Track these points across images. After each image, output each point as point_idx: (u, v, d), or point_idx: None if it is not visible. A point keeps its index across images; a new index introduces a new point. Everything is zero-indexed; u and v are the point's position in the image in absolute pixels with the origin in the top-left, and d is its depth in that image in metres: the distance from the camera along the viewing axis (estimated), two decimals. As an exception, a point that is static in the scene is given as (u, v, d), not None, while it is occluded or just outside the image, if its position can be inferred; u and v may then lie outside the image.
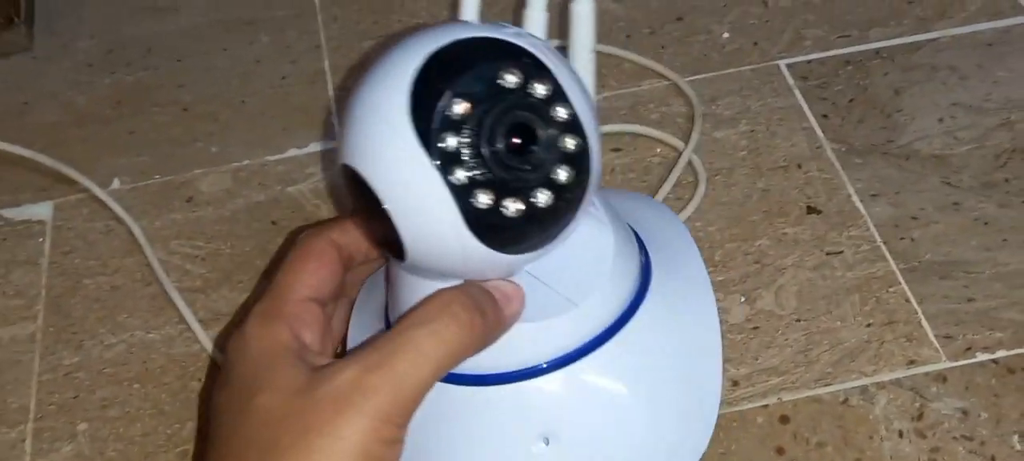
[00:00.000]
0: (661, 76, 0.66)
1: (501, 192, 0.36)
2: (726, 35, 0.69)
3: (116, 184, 0.63)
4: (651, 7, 0.71)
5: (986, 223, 0.57)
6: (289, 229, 0.60)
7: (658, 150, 0.62)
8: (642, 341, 0.43)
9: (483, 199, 0.36)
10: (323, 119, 0.66)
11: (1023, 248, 0.56)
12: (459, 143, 0.35)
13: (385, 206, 0.36)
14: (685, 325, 0.45)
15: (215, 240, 0.60)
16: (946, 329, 0.53)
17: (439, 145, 0.35)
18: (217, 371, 0.53)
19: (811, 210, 0.59)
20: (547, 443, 0.41)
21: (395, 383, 0.36)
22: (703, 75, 0.66)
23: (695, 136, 0.62)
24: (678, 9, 0.71)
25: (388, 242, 0.38)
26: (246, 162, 0.64)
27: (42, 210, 0.62)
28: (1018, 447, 0.48)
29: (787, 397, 0.51)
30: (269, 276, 0.48)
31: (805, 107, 0.64)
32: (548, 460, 0.42)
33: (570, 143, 0.37)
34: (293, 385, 0.36)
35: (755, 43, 0.68)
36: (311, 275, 0.41)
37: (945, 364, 0.52)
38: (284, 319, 0.39)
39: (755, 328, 0.53)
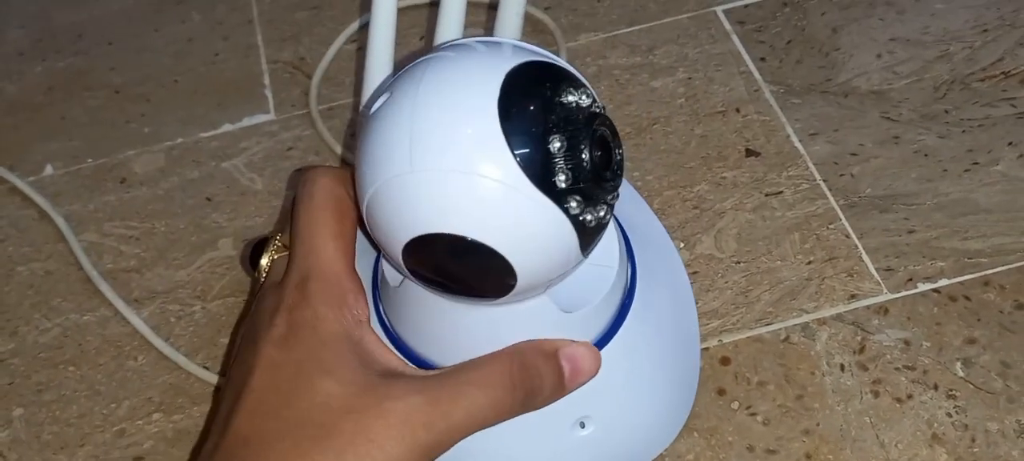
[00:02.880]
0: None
1: (591, 204, 0.36)
2: (662, -16, 0.68)
3: (49, 170, 0.62)
4: (587, -38, 0.71)
5: (926, 155, 0.57)
6: (223, 204, 0.59)
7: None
8: (642, 326, 0.44)
9: (588, 217, 0.36)
10: (256, 93, 0.65)
11: (963, 177, 0.55)
12: (567, 177, 0.35)
13: (507, 258, 0.36)
14: (671, 300, 0.47)
15: (149, 219, 0.59)
16: (887, 262, 0.52)
17: (557, 188, 0.35)
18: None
19: (750, 153, 0.58)
20: (583, 426, 0.43)
21: (447, 427, 0.37)
22: (640, 26, 0.66)
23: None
24: (615, -37, 0.71)
25: (485, 291, 0.38)
26: (179, 140, 0.63)
27: (-26, 201, 0.61)
28: (961, 373, 0.48)
29: (727, 338, 0.50)
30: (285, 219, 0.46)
31: (743, 51, 0.63)
32: (586, 439, 0.43)
33: (619, 152, 0.37)
34: (359, 381, 0.38)
35: (691, -9, 0.68)
36: (351, 240, 0.41)
37: (886, 296, 0.51)
38: (348, 302, 0.40)
39: (694, 273, 0.53)
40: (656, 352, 0.45)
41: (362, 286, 0.41)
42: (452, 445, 0.38)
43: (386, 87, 0.38)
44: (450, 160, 0.35)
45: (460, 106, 0.35)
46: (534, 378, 0.39)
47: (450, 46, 0.38)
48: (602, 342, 0.42)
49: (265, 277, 0.43)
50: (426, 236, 0.36)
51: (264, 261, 0.43)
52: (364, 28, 0.66)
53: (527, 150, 0.35)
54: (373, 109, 0.37)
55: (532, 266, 0.36)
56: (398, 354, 0.41)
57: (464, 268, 0.37)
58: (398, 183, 0.35)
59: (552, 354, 0.40)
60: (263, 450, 0.37)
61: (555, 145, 0.35)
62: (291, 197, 0.44)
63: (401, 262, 0.37)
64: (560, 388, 0.40)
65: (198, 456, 0.39)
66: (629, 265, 0.44)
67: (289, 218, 0.43)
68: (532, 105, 0.35)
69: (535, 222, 0.35)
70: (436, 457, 0.38)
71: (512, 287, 0.37)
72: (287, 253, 0.42)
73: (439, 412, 0.37)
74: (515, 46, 0.37)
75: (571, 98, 0.36)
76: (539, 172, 0.35)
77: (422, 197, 0.35)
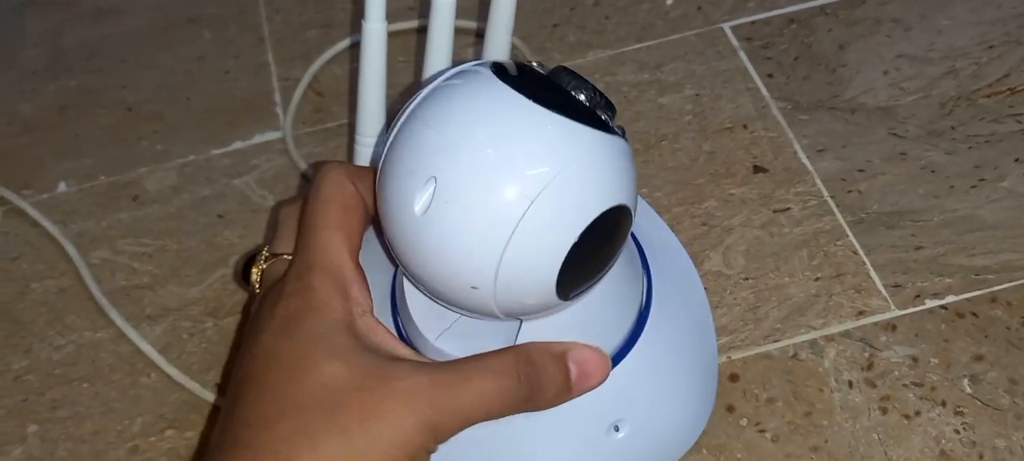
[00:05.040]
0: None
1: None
2: (670, 1, 0.69)
3: (62, 187, 0.63)
4: (595, -20, 0.71)
5: (933, 171, 0.57)
6: (235, 222, 0.59)
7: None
8: (662, 326, 0.45)
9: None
10: (267, 111, 0.66)
11: (970, 193, 0.56)
12: (606, 116, 0.38)
13: (628, 205, 0.38)
14: (685, 299, 0.49)
15: (162, 237, 0.59)
16: (895, 278, 0.53)
17: (610, 126, 0.38)
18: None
19: (758, 169, 0.58)
20: (618, 430, 0.44)
21: (454, 409, 0.38)
22: (648, 43, 0.66)
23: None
24: (622, -20, 0.71)
25: (615, 253, 0.39)
26: (191, 158, 0.64)
27: (-12, 218, 0.62)
28: (968, 390, 0.48)
29: (736, 355, 0.51)
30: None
31: (750, 68, 0.64)
32: (622, 443, 0.44)
33: None
34: (365, 363, 0.38)
35: (699, 7, 0.68)
36: (357, 234, 0.41)
37: (894, 313, 0.51)
38: (351, 293, 0.40)
39: (703, 289, 0.53)
40: (678, 350, 0.46)
41: (364, 278, 0.41)
42: (459, 430, 0.38)
43: (421, 180, 0.36)
44: (552, 164, 0.35)
45: (512, 128, 0.36)
46: (541, 374, 0.40)
47: (424, 100, 0.38)
48: (627, 346, 0.43)
49: (259, 285, 0.44)
50: (578, 240, 0.36)
51: (254, 273, 0.44)
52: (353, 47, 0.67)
53: (582, 113, 0.37)
54: (421, 207, 0.36)
55: (634, 201, 0.39)
56: (404, 342, 0.41)
57: (605, 244, 0.38)
58: (527, 222, 0.36)
59: (560, 355, 0.40)
60: (265, 430, 0.36)
61: (581, 97, 0.37)
62: (275, 213, 0.45)
63: (553, 286, 0.37)
64: (566, 390, 0.40)
65: (203, 452, 0.39)
66: (645, 275, 0.45)
67: (273, 228, 0.43)
68: (543, 86, 0.37)
69: (625, 162, 0.37)
70: (443, 440, 0.38)
71: (628, 230, 0.39)
72: (275, 260, 0.43)
73: (446, 393, 0.37)
74: (472, 64, 0.39)
75: (535, 64, 0.38)
76: (599, 123, 0.37)
77: (556, 217, 0.36)
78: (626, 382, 0.43)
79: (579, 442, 0.43)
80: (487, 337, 0.41)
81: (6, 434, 0.52)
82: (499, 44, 0.52)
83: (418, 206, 0.36)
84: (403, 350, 0.40)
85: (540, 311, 0.38)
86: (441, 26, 0.49)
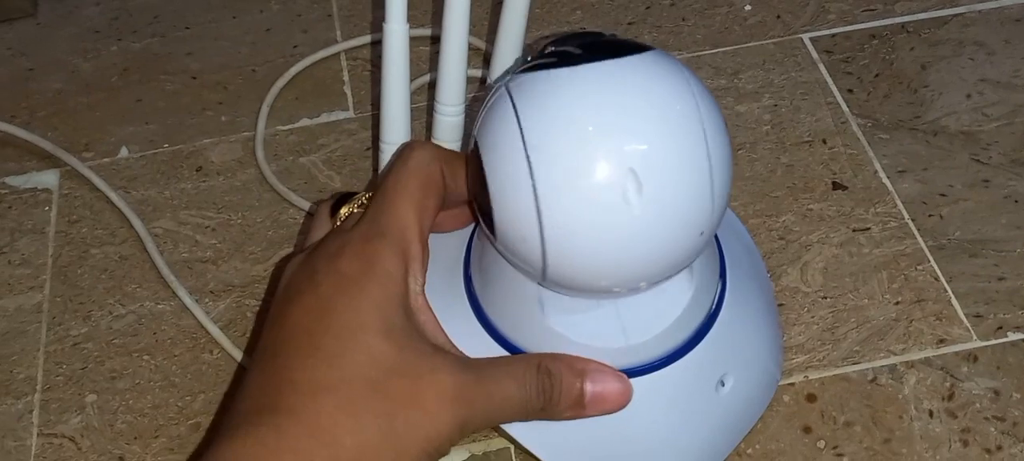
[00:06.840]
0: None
1: None
2: (748, 7, 0.67)
3: (124, 153, 0.62)
4: (670, -21, 0.70)
5: (1016, 201, 0.56)
6: (301, 202, 0.58)
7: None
8: (739, 282, 0.47)
9: None
10: (335, 89, 0.65)
11: (1054, 226, 0.55)
12: None
13: None
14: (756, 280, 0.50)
15: (226, 211, 0.58)
16: (976, 308, 0.52)
17: None
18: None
19: (837, 186, 0.57)
20: (723, 384, 0.45)
21: (484, 410, 0.39)
22: (725, 48, 0.65)
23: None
24: (698, -19, 0.70)
25: None
26: (256, 131, 0.62)
27: (48, 178, 0.60)
28: (1051, 428, 0.47)
29: (814, 375, 0.49)
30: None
31: (830, 81, 0.63)
32: (727, 396, 0.45)
33: None
34: (413, 346, 0.39)
35: (778, 16, 0.67)
36: (431, 214, 0.41)
37: (976, 343, 0.50)
38: (413, 269, 0.40)
39: (780, 305, 0.52)
40: (754, 302, 0.47)
41: (427, 257, 0.41)
42: (479, 430, 0.40)
43: (619, 183, 0.37)
44: (684, 89, 0.38)
45: (641, 84, 0.37)
46: (556, 389, 0.40)
47: (531, 122, 0.38)
48: (719, 303, 0.44)
49: (339, 225, 0.44)
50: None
51: (344, 210, 0.44)
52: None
53: (643, 47, 0.39)
54: (636, 202, 0.37)
55: None
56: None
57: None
58: (710, 143, 0.38)
59: (580, 372, 0.41)
60: (310, 398, 0.37)
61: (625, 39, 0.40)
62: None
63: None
64: (580, 406, 0.41)
65: (239, 392, 0.39)
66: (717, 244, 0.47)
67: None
68: (603, 45, 0.39)
69: None
70: (466, 436, 0.39)
71: None
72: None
73: (482, 394, 0.39)
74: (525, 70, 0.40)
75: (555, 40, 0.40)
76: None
77: (715, 121, 0.38)
78: (724, 335, 0.44)
79: (694, 400, 0.44)
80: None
81: (65, 401, 0.51)
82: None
83: (634, 204, 0.37)
84: (442, 338, 0.41)
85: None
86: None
